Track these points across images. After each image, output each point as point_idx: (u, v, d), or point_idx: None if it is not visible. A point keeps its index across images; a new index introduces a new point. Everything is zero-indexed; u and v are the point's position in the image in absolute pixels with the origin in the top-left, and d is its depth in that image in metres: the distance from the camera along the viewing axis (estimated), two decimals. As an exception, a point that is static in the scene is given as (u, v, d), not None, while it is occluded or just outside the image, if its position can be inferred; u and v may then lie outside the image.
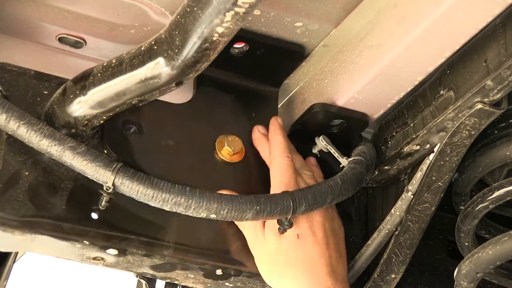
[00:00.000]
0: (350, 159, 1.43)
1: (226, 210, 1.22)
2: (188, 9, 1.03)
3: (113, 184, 1.20)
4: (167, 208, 1.22)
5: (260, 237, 1.34)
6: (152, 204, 1.21)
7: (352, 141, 1.47)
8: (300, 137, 1.45)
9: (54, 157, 1.21)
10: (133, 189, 1.20)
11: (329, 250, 1.33)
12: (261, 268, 1.35)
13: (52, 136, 1.20)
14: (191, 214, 1.22)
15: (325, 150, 1.44)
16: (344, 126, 1.42)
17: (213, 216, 1.22)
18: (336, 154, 1.43)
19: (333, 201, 1.36)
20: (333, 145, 1.43)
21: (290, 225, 1.32)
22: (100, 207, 1.24)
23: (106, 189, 1.20)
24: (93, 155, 1.20)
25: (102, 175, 1.20)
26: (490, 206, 1.36)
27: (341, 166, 1.43)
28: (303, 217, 1.33)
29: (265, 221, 1.35)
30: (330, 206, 1.39)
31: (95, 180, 1.21)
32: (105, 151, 1.30)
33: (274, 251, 1.32)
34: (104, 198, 1.22)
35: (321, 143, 1.44)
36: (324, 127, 1.42)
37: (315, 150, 1.46)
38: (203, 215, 1.22)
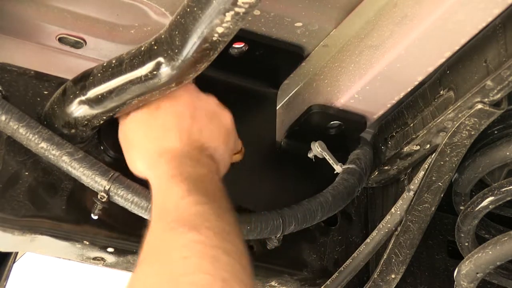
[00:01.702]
0: (344, 166, 1.43)
1: None
2: (188, 9, 1.03)
3: (108, 193, 1.21)
4: None
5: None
6: (145, 216, 1.23)
7: (350, 143, 1.47)
8: (298, 138, 1.45)
9: (51, 162, 1.21)
10: (127, 199, 1.21)
11: (189, 127, 1.20)
12: (121, 138, 1.24)
13: (50, 140, 1.20)
14: None
15: (320, 156, 1.44)
16: (342, 128, 1.42)
17: None
18: (331, 161, 1.43)
19: (322, 218, 1.39)
20: (328, 152, 1.43)
21: (279, 242, 1.36)
22: (92, 215, 1.24)
23: (100, 197, 1.21)
24: (89, 163, 1.21)
25: (97, 183, 1.21)
26: (490, 206, 1.36)
27: (335, 172, 1.43)
28: (170, 95, 1.21)
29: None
30: (213, 98, 1.28)
31: (90, 187, 1.21)
32: (102, 148, 1.30)
33: (132, 121, 1.23)
34: (98, 207, 1.23)
35: (316, 149, 1.44)
36: (322, 129, 1.42)
37: (310, 155, 1.46)
38: None
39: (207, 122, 1.22)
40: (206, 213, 1.05)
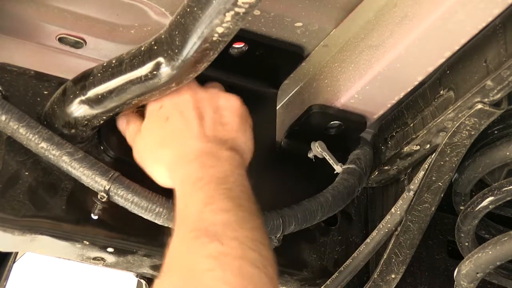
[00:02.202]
0: (344, 166, 1.43)
1: None
2: (188, 9, 1.03)
3: (108, 193, 1.21)
4: (159, 222, 1.23)
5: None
6: (145, 216, 1.23)
7: (350, 143, 1.47)
8: (298, 138, 1.45)
9: (51, 162, 1.21)
10: (127, 199, 1.21)
11: (200, 126, 1.19)
12: (138, 157, 1.23)
13: (50, 140, 1.21)
14: None
15: (320, 156, 1.44)
16: (342, 128, 1.42)
17: None
18: (331, 161, 1.43)
19: (322, 218, 1.39)
20: (328, 152, 1.43)
21: (279, 242, 1.35)
22: (92, 215, 1.24)
23: (100, 197, 1.21)
24: (89, 163, 1.21)
25: (97, 183, 1.21)
26: (490, 206, 1.36)
27: (335, 172, 1.44)
28: (172, 99, 1.21)
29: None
30: (215, 87, 1.27)
31: (90, 187, 1.21)
32: (102, 148, 1.30)
33: (145, 139, 1.23)
34: (98, 207, 1.23)
35: (316, 150, 1.44)
36: (322, 129, 1.42)
37: (310, 155, 1.46)
38: None
39: (216, 115, 1.20)
40: (229, 221, 1.03)
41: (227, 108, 1.22)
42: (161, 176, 1.19)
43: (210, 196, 1.07)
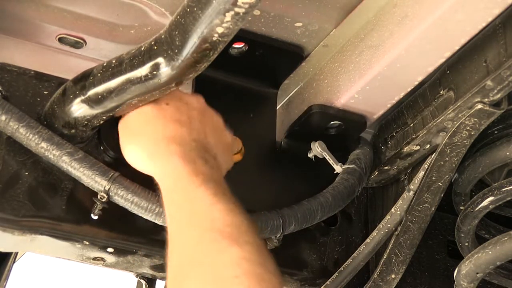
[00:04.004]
0: (344, 166, 1.43)
1: None
2: (188, 9, 1.03)
3: (108, 194, 1.21)
4: (159, 222, 1.23)
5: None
6: (145, 216, 1.23)
7: (350, 143, 1.47)
8: (298, 138, 1.45)
9: (51, 162, 1.21)
10: (127, 199, 1.21)
11: (198, 125, 1.19)
12: (121, 130, 1.21)
13: (50, 140, 1.21)
14: None
15: (320, 156, 1.44)
16: (342, 128, 1.42)
17: None
18: (331, 161, 1.43)
19: (322, 218, 1.39)
20: (328, 152, 1.43)
21: (279, 242, 1.35)
22: (92, 215, 1.24)
23: (100, 197, 1.21)
24: (89, 163, 1.21)
25: (97, 183, 1.21)
26: (490, 206, 1.36)
27: (335, 172, 1.44)
28: (176, 95, 1.21)
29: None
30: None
31: (90, 187, 1.21)
32: (102, 148, 1.30)
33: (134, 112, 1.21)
34: (98, 207, 1.23)
35: (316, 150, 1.44)
36: (322, 129, 1.42)
37: (310, 155, 1.46)
38: None
39: (203, 122, 1.21)
40: (240, 225, 1.03)
41: (211, 119, 1.23)
42: (140, 155, 1.16)
43: (213, 195, 1.07)
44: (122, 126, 1.21)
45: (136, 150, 1.17)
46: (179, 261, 1.03)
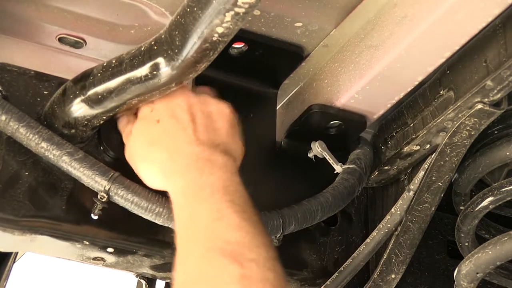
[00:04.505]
0: (344, 166, 1.43)
1: None
2: (188, 9, 1.03)
3: (108, 193, 1.21)
4: (159, 222, 1.23)
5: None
6: (145, 216, 1.23)
7: (350, 142, 1.47)
8: (298, 138, 1.45)
9: (51, 162, 1.21)
10: (127, 199, 1.21)
11: (193, 130, 1.18)
12: (128, 157, 1.23)
13: (50, 140, 1.21)
14: None
15: (320, 156, 1.44)
16: (342, 127, 1.42)
17: None
18: (331, 161, 1.43)
19: (322, 218, 1.39)
20: (328, 151, 1.43)
21: (279, 242, 1.35)
22: (92, 215, 1.24)
23: (100, 197, 1.21)
24: (89, 163, 1.21)
25: (97, 183, 1.21)
26: (490, 206, 1.36)
27: (335, 172, 1.44)
28: (163, 102, 1.20)
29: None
30: (206, 92, 1.27)
31: (90, 187, 1.21)
32: (102, 148, 1.30)
33: (135, 139, 1.22)
34: (98, 207, 1.23)
35: (316, 149, 1.44)
36: (322, 129, 1.42)
37: (310, 155, 1.46)
38: None
39: (208, 120, 1.20)
40: (243, 241, 1.03)
41: (217, 114, 1.22)
42: (151, 177, 1.18)
43: (217, 210, 1.07)
44: (128, 155, 1.22)
45: (151, 174, 1.19)
46: (183, 279, 1.03)
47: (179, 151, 1.15)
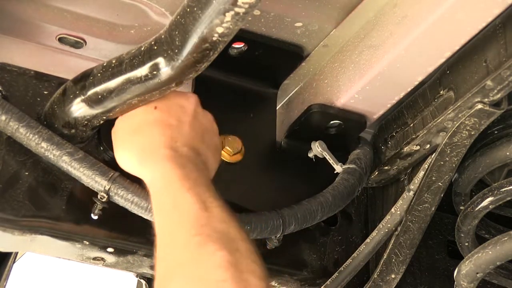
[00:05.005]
0: (345, 166, 1.43)
1: None
2: (188, 9, 1.03)
3: (108, 193, 1.21)
4: None
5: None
6: (145, 216, 1.23)
7: (350, 142, 1.47)
8: (298, 137, 1.45)
9: (51, 162, 1.21)
10: (127, 199, 1.21)
11: (187, 131, 1.19)
12: (113, 134, 1.23)
13: (50, 140, 1.21)
14: None
15: (320, 156, 1.44)
16: (342, 127, 1.42)
17: None
18: (331, 161, 1.43)
19: (322, 218, 1.39)
20: (328, 151, 1.43)
21: (279, 242, 1.36)
22: (92, 215, 1.24)
23: (100, 197, 1.21)
24: (89, 163, 1.21)
25: (97, 183, 1.21)
26: (490, 206, 1.36)
27: (335, 172, 1.44)
28: (174, 96, 1.21)
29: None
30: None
31: (90, 187, 1.22)
32: (102, 148, 1.30)
33: (125, 117, 1.22)
34: (98, 207, 1.23)
35: (317, 149, 1.44)
36: (322, 128, 1.42)
37: (310, 154, 1.46)
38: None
39: (202, 131, 1.21)
40: (229, 232, 1.03)
41: (211, 133, 1.23)
42: (131, 159, 1.17)
43: (202, 201, 1.07)
44: (113, 131, 1.22)
45: (127, 155, 1.18)
46: (165, 264, 1.03)
47: (165, 142, 1.15)
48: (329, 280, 1.47)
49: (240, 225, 1.07)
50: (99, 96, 1.18)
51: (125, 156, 1.18)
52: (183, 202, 1.07)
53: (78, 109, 1.21)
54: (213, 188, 1.12)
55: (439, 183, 1.36)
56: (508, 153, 1.33)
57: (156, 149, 1.14)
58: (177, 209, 1.07)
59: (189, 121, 1.19)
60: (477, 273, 1.35)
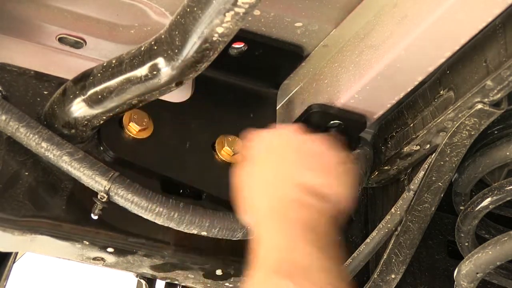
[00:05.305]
0: None
1: (217, 229, 1.25)
2: (188, 9, 1.03)
3: (108, 193, 1.21)
4: (159, 222, 1.23)
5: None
6: (145, 216, 1.23)
7: (350, 142, 1.47)
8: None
9: (51, 161, 1.21)
10: (127, 199, 1.21)
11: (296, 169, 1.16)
12: (238, 183, 1.22)
13: (50, 140, 1.21)
14: (182, 230, 1.24)
15: None
16: (342, 127, 1.42)
17: (204, 233, 1.25)
18: None
19: None
20: None
21: None
22: (92, 215, 1.24)
23: (100, 197, 1.21)
24: (89, 163, 1.21)
25: (97, 183, 1.21)
26: (490, 206, 1.36)
27: None
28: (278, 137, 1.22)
29: None
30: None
31: (90, 187, 1.21)
32: (102, 148, 1.30)
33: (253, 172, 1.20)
34: (98, 207, 1.23)
35: None
36: (322, 128, 1.42)
37: None
38: (194, 231, 1.24)
39: (301, 160, 1.17)
40: (310, 266, 1.02)
41: (324, 158, 1.18)
42: (248, 217, 1.19)
43: (293, 241, 1.06)
44: (237, 182, 1.20)
45: (245, 212, 1.18)
46: None
47: (277, 195, 1.13)
48: (329, 280, 1.47)
49: (334, 264, 1.05)
50: (99, 96, 1.18)
51: (247, 213, 1.18)
52: (272, 245, 1.07)
53: (78, 109, 1.21)
54: (321, 224, 1.10)
55: (439, 183, 1.36)
56: (508, 153, 1.33)
57: (272, 207, 1.13)
58: (266, 251, 1.07)
59: (294, 157, 1.18)
60: (477, 273, 1.35)
